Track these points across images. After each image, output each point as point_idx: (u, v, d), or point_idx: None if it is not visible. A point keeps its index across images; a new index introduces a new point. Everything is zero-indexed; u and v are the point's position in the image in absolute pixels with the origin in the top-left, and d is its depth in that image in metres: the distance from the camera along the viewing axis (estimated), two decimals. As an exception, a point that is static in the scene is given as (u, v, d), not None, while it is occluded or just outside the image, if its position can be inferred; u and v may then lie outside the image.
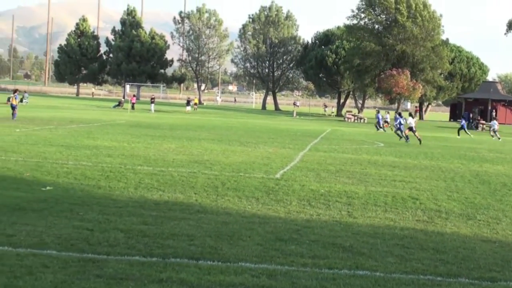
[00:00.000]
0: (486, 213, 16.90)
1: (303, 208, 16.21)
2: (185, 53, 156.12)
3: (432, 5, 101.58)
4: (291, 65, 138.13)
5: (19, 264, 9.90)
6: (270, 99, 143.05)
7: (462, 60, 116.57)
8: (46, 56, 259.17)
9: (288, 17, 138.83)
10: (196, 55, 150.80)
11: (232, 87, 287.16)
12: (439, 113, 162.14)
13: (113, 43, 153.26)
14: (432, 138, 54.26)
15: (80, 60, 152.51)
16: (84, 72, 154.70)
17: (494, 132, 59.83)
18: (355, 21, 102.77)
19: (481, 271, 11.05)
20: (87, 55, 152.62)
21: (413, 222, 15.16)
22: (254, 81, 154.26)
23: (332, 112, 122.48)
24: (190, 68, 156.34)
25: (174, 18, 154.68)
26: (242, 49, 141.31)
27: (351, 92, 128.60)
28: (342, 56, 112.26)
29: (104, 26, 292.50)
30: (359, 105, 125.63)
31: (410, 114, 48.94)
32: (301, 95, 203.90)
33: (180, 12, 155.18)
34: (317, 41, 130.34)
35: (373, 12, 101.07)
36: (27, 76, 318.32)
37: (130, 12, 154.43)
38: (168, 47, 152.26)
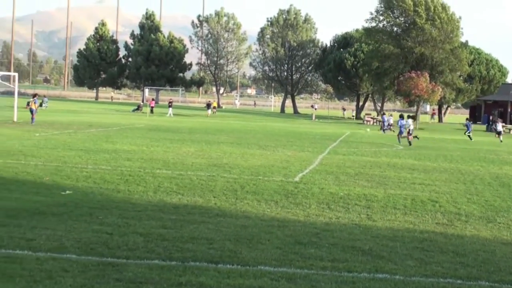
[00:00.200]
0: (506, 216, 16.84)
1: (322, 211, 16.19)
2: (203, 57, 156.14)
3: (451, 7, 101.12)
4: (309, 68, 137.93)
5: (39, 268, 9.94)
6: (288, 102, 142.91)
7: (481, 62, 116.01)
8: (65, 60, 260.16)
9: (307, 20, 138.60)
10: (215, 59, 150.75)
11: (251, 91, 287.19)
12: (458, 116, 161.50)
13: (132, 47, 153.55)
14: (451, 141, 54.11)
15: (99, 64, 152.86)
16: (103, 76, 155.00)
17: (499, 134, 58.98)
18: (373, 24, 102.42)
19: (501, 274, 11.01)
20: (106, 59, 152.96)
21: (432, 225, 15.12)
22: (272, 84, 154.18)
23: (353, 116, 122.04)
24: (209, 72, 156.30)
25: (193, 22, 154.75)
26: (260, 52, 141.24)
27: (370, 95, 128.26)
28: (361, 59, 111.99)
29: (123, 30, 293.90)
30: (378, 108, 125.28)
31: (410, 117, 48.85)
32: (320, 98, 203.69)
33: (199, 16, 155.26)
34: (335, 44, 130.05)
35: (391, 15, 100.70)
36: (46, 80, 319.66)
37: (148, 16, 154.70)
38: (186, 50, 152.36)
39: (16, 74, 58.92)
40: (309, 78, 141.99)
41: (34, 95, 54.36)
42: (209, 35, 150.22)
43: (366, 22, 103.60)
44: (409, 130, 46.24)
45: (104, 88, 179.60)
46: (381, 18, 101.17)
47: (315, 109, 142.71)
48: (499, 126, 59.93)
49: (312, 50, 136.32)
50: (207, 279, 9.74)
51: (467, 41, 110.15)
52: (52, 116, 61.57)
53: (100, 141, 34.62)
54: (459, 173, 27.03)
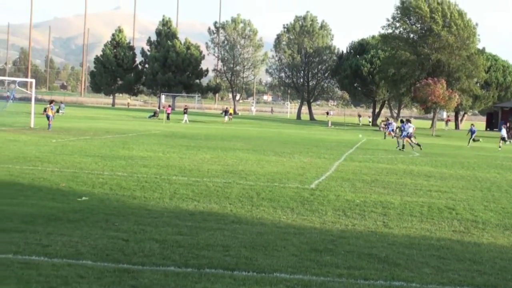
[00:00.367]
0: (523, 224, 16.73)
1: (338, 218, 16.15)
2: (220, 63, 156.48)
3: (468, 14, 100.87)
4: (326, 74, 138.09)
5: (55, 275, 9.95)
6: (305, 109, 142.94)
7: (498, 69, 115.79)
8: (82, 66, 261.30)
9: (323, 26, 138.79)
10: (231, 65, 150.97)
11: (267, 97, 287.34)
12: (475, 122, 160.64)
13: (148, 53, 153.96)
14: (468, 148, 53.92)
15: (116, 71, 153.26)
16: (120, 82, 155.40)
17: (504, 140, 58.38)
18: (390, 31, 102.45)
19: (518, 282, 10.94)
20: (123, 65, 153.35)
21: (449, 233, 15.04)
22: (288, 91, 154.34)
23: (370, 122, 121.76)
24: (225, 78, 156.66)
25: (209, 28, 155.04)
26: (277, 59, 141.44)
27: (386, 102, 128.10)
28: (377, 65, 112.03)
29: (140, 36, 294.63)
30: (395, 115, 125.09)
31: (409, 121, 48.73)
32: (336, 105, 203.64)
33: (215, 23, 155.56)
34: (352, 51, 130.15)
35: (408, 21, 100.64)
36: (63, 86, 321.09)
37: (165, 23, 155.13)
38: (203, 57, 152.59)
39: (33, 80, 59.14)
40: (325, 85, 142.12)
41: (51, 102, 54.59)
42: (226, 42, 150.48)
43: (383, 29, 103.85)
44: (408, 134, 46.10)
45: (120, 95, 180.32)
46: (398, 24, 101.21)
47: (331, 115, 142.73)
48: (504, 132, 59.43)
49: (329, 57, 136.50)
50: (222, 286, 9.72)
51: (484, 48, 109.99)
52: (69, 122, 61.80)
53: (117, 148, 34.70)
54: (476, 180, 26.91)
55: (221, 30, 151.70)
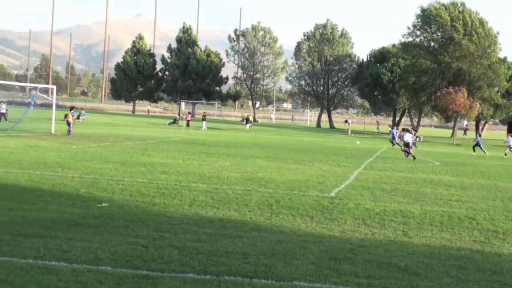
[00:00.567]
0: (544, 234, 16.62)
1: (357, 227, 16.10)
2: (240, 71, 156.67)
3: (489, 23, 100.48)
4: (346, 82, 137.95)
5: (75, 280, 9.98)
6: (324, 116, 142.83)
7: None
8: (103, 73, 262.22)
9: (343, 34, 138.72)
10: (251, 73, 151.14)
11: (287, 105, 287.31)
12: (496, 132, 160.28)
13: (169, 60, 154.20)
14: (489, 157, 53.67)
15: (136, 78, 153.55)
16: (140, 89, 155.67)
17: (510, 149, 57.88)
18: (410, 39, 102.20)
19: (539, 293, 10.87)
20: (143, 72, 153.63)
21: (469, 243, 14.96)
22: (308, 98, 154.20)
23: (389, 130, 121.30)
24: (245, 86, 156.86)
25: (229, 36, 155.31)
26: (297, 66, 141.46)
27: (406, 110, 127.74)
28: (398, 74, 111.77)
29: (160, 44, 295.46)
30: (415, 123, 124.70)
31: (408, 130, 48.55)
32: (356, 113, 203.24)
33: (235, 30, 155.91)
34: (372, 59, 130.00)
35: (428, 30, 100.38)
36: (84, 93, 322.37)
37: (186, 30, 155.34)
38: (223, 64, 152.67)
39: (55, 87, 59.50)
40: (345, 93, 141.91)
41: (71, 108, 54.85)
42: (246, 49, 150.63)
43: (403, 37, 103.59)
44: (408, 144, 45.99)
45: (141, 101, 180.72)
46: (418, 33, 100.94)
47: (349, 123, 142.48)
48: (510, 140, 58.95)
49: (349, 65, 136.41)
50: (241, 293, 9.72)
51: (505, 57, 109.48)
52: (89, 129, 62.04)
53: (137, 154, 34.79)
54: (497, 190, 26.78)
55: (241, 38, 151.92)
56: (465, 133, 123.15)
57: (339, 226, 16.10)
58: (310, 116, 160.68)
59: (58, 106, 63.27)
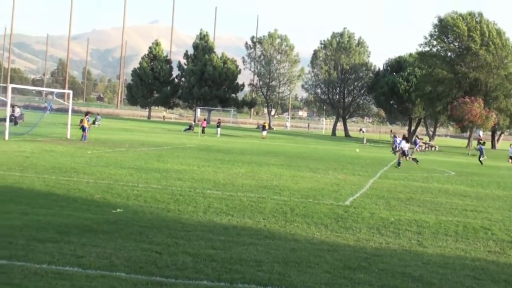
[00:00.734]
0: (560, 246, 16.52)
1: (372, 236, 16.06)
2: (256, 78, 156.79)
3: (506, 33, 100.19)
4: (362, 91, 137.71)
5: (88, 286, 10.00)
6: (340, 125, 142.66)
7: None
8: (119, 79, 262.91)
9: (360, 43, 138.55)
10: (267, 80, 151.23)
11: (302, 113, 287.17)
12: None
13: (185, 67, 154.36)
14: (505, 168, 53.47)
15: (152, 84, 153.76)
16: (156, 95, 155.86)
17: None
18: (427, 48, 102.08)
19: (555, 306, 10.80)
20: (160, 78, 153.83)
21: (484, 253, 14.90)
22: (324, 107, 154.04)
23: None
24: (261, 93, 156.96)
25: (246, 43, 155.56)
26: (313, 74, 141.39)
27: (422, 120, 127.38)
28: (414, 83, 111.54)
29: (177, 50, 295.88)
30: (430, 133, 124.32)
31: (405, 138, 48.34)
32: (372, 122, 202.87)
33: (252, 37, 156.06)
34: (388, 68, 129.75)
35: (445, 40, 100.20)
36: (100, 98, 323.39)
37: (202, 37, 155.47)
38: (239, 71, 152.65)
39: (71, 92, 59.66)
40: (361, 102, 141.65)
41: (87, 113, 55.01)
42: (262, 57, 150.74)
43: (420, 47, 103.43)
44: (405, 151, 45.87)
45: (156, 107, 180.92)
46: (435, 43, 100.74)
47: (363, 132, 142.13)
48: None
49: (365, 74, 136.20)
50: (255, 301, 9.70)
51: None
52: (105, 134, 62.19)
53: (152, 160, 34.84)
54: (512, 200, 26.67)
55: (257, 45, 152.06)
56: (478, 143, 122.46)
57: (354, 235, 16.07)
58: (325, 124, 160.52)
59: (74, 111, 63.50)
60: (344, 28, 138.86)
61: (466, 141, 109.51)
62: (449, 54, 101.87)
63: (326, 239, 15.28)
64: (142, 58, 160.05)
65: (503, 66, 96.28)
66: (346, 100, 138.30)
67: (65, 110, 70.02)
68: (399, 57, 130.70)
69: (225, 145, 59.51)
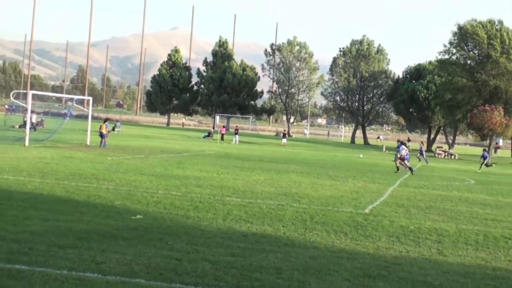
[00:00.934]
0: None
1: (392, 244, 16.02)
2: (275, 85, 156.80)
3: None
4: (381, 99, 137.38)
5: (109, 292, 10.02)
6: (359, 132, 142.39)
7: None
8: (139, 86, 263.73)
9: (379, 51, 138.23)
10: (286, 87, 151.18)
11: (321, 120, 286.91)
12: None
13: (204, 74, 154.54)
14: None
15: (171, 91, 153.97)
16: (175, 102, 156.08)
17: None
18: (446, 56, 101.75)
19: None
20: (179, 85, 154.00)
21: (505, 262, 14.83)
22: (343, 114, 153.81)
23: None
24: (280, 100, 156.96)
25: (266, 50, 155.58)
26: (332, 82, 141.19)
27: (441, 128, 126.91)
28: (433, 91, 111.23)
29: (196, 57, 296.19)
30: (450, 141, 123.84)
31: (404, 143, 48.04)
32: (391, 130, 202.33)
33: (272, 45, 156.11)
34: (408, 76, 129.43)
35: (465, 48, 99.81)
36: (119, 105, 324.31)
37: (222, 44, 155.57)
38: (258, 78, 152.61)
39: (91, 98, 59.89)
40: (380, 109, 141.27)
41: (106, 120, 55.27)
42: (281, 64, 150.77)
43: (439, 54, 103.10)
44: (400, 155, 45.61)
45: (175, 114, 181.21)
46: (454, 50, 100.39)
47: (381, 139, 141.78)
48: None
49: (384, 81, 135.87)
50: (275, 309, 9.69)
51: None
52: (124, 141, 62.38)
53: (171, 167, 34.92)
54: (533, 209, 26.51)
55: (276, 52, 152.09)
56: (495, 152, 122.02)
57: (373, 243, 16.04)
58: (344, 132, 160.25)
59: (93, 118, 63.78)
60: (364, 36, 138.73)
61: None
62: (468, 62, 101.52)
63: (345, 247, 15.26)
64: (161, 65, 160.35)
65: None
66: (365, 108, 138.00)
67: (85, 117, 70.35)
68: (419, 64, 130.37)
69: (244, 152, 59.55)
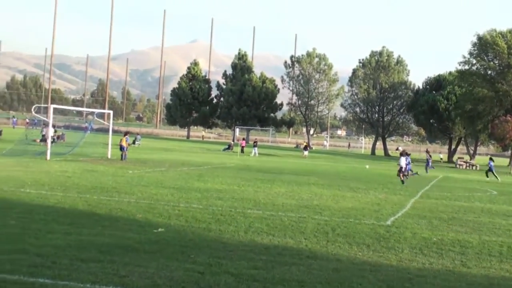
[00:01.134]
0: None
1: (415, 256, 15.94)
2: (294, 97, 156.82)
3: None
4: (401, 110, 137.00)
5: (132, 306, 10.02)
6: (379, 144, 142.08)
7: None
8: (158, 99, 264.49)
9: (399, 62, 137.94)
10: (306, 99, 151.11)
11: (341, 132, 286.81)
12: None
13: (224, 87, 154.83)
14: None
15: (191, 104, 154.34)
16: (195, 115, 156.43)
17: None
18: (466, 67, 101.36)
19: None
20: (198, 98, 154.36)
21: (530, 274, 14.71)
22: (363, 126, 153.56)
23: (441, 159, 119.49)
24: (299, 112, 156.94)
25: (285, 62, 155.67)
26: (352, 93, 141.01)
27: (462, 138, 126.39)
28: (454, 101, 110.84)
29: (215, 70, 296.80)
30: (471, 152, 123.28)
31: (402, 154, 47.75)
32: (411, 141, 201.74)
33: (291, 57, 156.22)
34: (428, 86, 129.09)
35: (485, 58, 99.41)
36: (139, 118, 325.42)
37: (241, 57, 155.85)
38: (278, 91, 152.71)
39: (111, 112, 60.14)
40: (400, 121, 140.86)
41: (126, 133, 55.43)
42: (300, 76, 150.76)
43: (459, 65, 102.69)
44: (401, 168, 45.33)
45: (195, 127, 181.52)
46: (474, 61, 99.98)
47: (399, 150, 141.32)
48: None
49: (404, 92, 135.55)
50: (299, 322, 9.66)
51: None
52: (145, 154, 62.54)
53: (192, 180, 34.95)
54: (556, 220, 26.31)
55: (296, 64, 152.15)
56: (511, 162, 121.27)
57: (396, 255, 15.96)
58: (364, 143, 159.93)
59: (114, 131, 63.94)
60: (383, 47, 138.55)
61: (507, 160, 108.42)
62: (489, 72, 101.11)
63: (368, 259, 15.20)
64: (181, 78, 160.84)
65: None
66: (385, 119, 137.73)
67: (105, 130, 70.50)
68: (439, 75, 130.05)
69: (264, 164, 59.53)
